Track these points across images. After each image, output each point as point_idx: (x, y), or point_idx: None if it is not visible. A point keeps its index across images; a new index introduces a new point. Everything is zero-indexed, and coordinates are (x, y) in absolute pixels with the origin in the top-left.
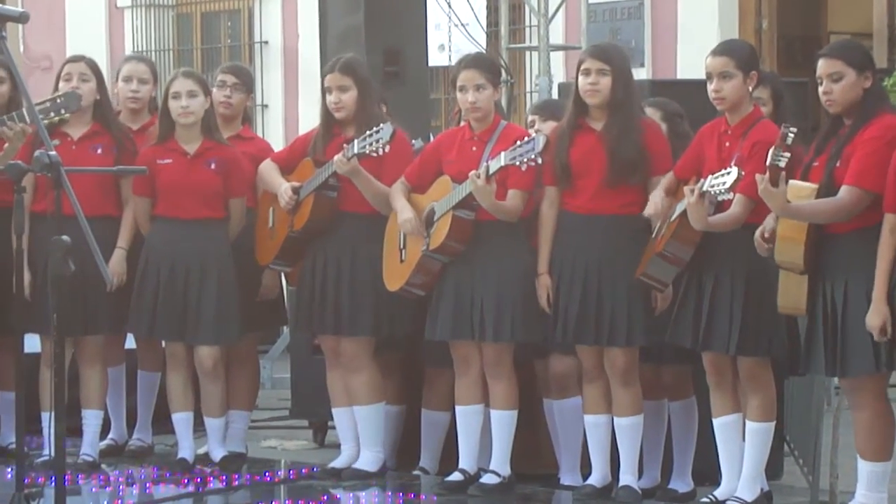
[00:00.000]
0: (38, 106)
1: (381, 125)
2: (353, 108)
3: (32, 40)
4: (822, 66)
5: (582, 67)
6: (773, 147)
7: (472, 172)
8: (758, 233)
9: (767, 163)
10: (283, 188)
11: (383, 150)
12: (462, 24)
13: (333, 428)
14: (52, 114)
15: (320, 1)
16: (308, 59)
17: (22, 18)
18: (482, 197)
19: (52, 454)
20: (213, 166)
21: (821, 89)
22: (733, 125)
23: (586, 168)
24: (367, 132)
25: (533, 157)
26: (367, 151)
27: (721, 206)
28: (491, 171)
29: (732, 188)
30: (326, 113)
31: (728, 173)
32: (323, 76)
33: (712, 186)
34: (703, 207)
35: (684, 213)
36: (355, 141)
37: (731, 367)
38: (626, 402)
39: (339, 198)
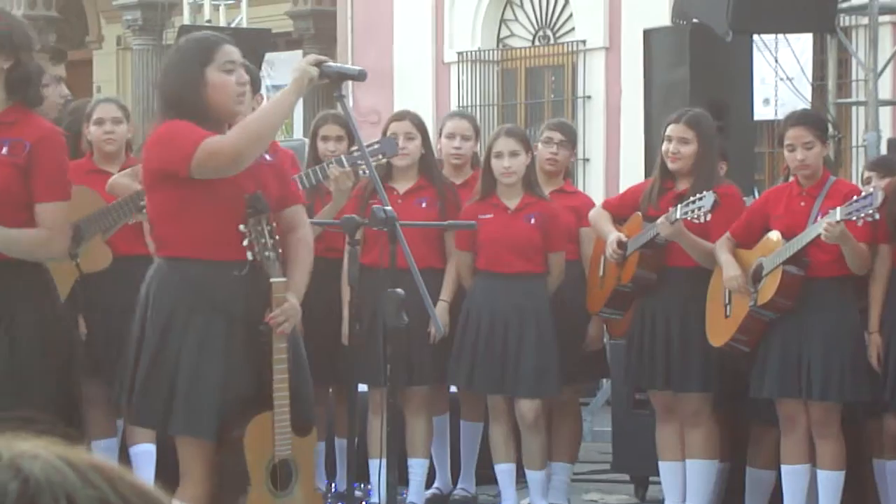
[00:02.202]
0: (356, 152)
1: (705, 193)
2: (690, 161)
3: (361, 95)
4: None
5: None
6: None
7: (823, 220)
8: None
9: None
10: (611, 238)
11: (704, 218)
12: (788, 78)
13: (655, 483)
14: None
15: (645, 56)
16: (630, 113)
17: (360, 77)
18: (841, 238)
19: (382, 501)
20: (532, 221)
21: None
22: None
23: None
24: (691, 198)
25: (871, 211)
26: (690, 218)
27: None
28: (838, 219)
29: None
30: (662, 165)
31: None
32: (665, 125)
33: None
34: None
35: None
36: (678, 206)
37: None
38: None
39: (665, 253)
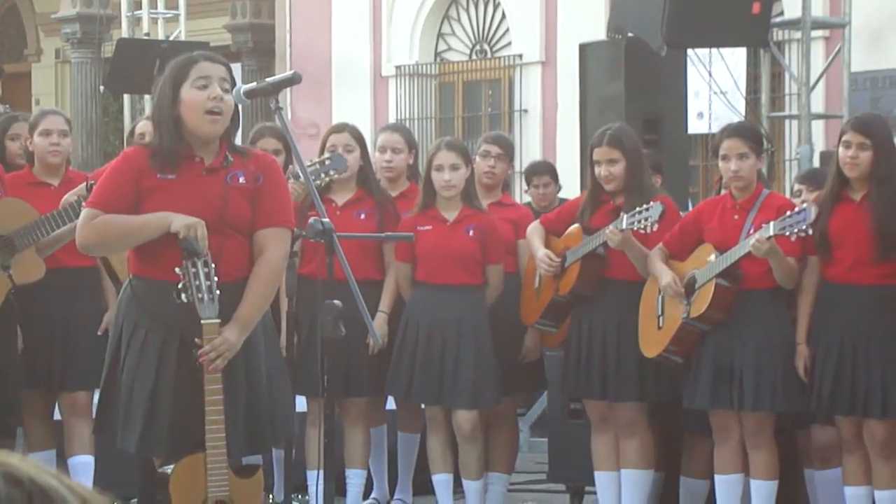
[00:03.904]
0: (308, 167)
1: (651, 204)
2: (622, 179)
3: (300, 108)
4: None
5: (843, 139)
6: None
7: (751, 238)
8: None
9: None
10: (540, 255)
11: (651, 228)
12: (722, 92)
13: (591, 492)
14: (322, 175)
15: (580, 70)
16: (566, 126)
17: (295, 79)
18: (770, 253)
19: None
20: (471, 233)
21: None
22: None
23: (844, 239)
24: (638, 209)
25: (804, 227)
26: (636, 228)
27: None
28: (772, 233)
29: None
30: (594, 182)
31: None
32: (591, 148)
33: None
34: None
35: None
36: (625, 216)
37: None
38: (886, 476)
39: (605, 264)
